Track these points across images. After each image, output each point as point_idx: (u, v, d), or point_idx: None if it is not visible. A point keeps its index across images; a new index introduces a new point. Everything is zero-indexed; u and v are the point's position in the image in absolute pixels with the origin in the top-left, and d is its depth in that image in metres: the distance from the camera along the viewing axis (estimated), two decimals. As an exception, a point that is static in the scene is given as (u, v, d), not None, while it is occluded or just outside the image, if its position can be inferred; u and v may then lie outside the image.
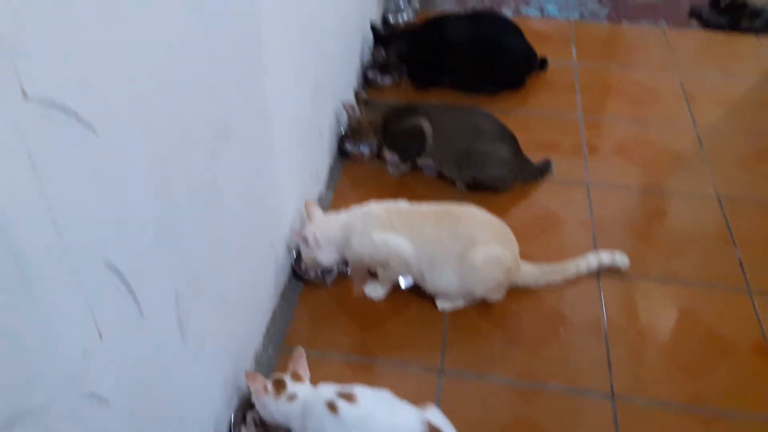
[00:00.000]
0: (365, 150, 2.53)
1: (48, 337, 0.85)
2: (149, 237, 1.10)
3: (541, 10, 3.55)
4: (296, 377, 1.53)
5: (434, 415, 1.46)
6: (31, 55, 0.75)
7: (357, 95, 2.53)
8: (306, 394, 1.49)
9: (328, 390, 1.47)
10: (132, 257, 1.03)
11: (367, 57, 2.97)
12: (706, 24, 3.43)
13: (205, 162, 1.30)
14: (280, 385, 1.50)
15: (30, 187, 0.78)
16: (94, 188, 0.91)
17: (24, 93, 0.75)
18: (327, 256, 1.93)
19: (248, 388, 1.58)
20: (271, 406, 1.50)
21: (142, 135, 1.03)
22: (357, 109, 2.41)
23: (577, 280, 2.05)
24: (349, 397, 1.43)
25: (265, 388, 1.51)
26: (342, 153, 2.54)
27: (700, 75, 3.06)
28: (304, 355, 1.56)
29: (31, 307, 0.81)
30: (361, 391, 1.46)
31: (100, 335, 0.97)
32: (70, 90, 0.83)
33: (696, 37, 3.39)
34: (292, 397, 1.48)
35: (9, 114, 0.73)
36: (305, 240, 1.88)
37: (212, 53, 1.28)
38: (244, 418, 1.65)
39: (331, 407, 1.41)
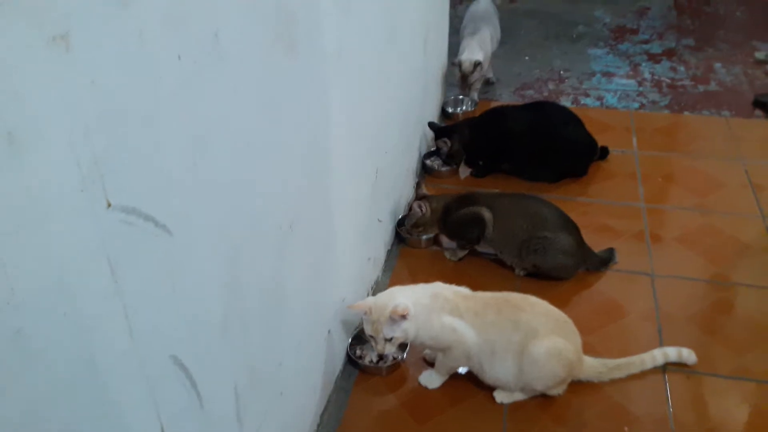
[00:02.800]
0: (423, 235, 2.55)
1: (111, 428, 0.87)
2: (215, 332, 1.12)
3: (600, 101, 3.58)
4: None
5: None
6: (117, 170, 0.80)
7: (417, 189, 2.56)
8: None
9: None
10: (197, 352, 1.06)
11: (425, 147, 3.03)
12: (771, 113, 3.39)
13: (270, 257, 1.34)
14: None
15: (108, 290, 0.82)
16: (166, 287, 0.95)
17: (108, 203, 0.79)
18: (412, 328, 1.80)
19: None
20: None
21: (213, 234, 1.08)
22: (425, 207, 2.43)
23: (642, 374, 1.97)
24: None
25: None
26: (399, 238, 2.56)
27: (766, 164, 3.00)
28: None
29: (99, 400, 0.83)
30: None
31: (162, 428, 0.98)
32: (150, 197, 0.88)
33: (761, 125, 3.34)
34: None
35: (93, 224, 0.78)
36: (395, 311, 1.74)
37: (282, 151, 1.34)
38: None
39: None
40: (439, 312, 1.84)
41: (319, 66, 1.48)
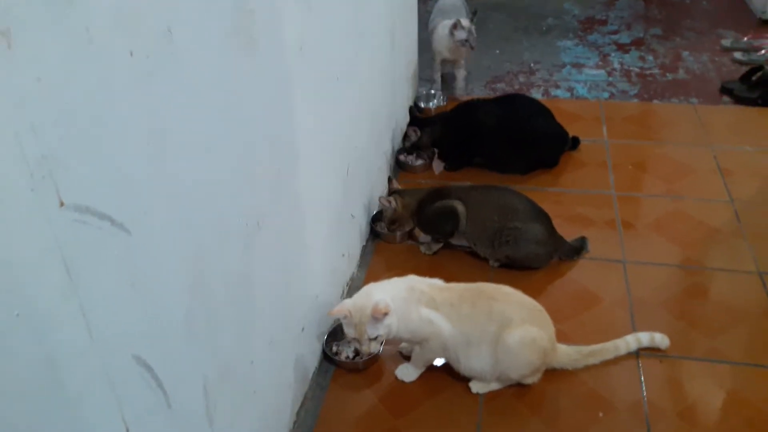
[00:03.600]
0: (399, 231, 2.55)
1: (72, 429, 0.86)
2: (179, 331, 1.12)
3: (571, 92, 3.61)
4: None
5: None
6: (69, 168, 0.80)
7: (389, 184, 2.58)
8: None
9: None
10: (161, 351, 1.05)
11: (398, 142, 3.04)
12: (738, 99, 3.43)
13: (237, 255, 1.33)
14: None
15: (64, 290, 0.81)
16: (126, 286, 0.94)
17: (61, 202, 0.79)
18: (383, 331, 1.80)
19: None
20: None
21: (175, 232, 1.07)
22: (393, 201, 2.44)
23: (616, 359, 1.99)
24: None
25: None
26: (374, 233, 2.56)
27: (734, 149, 3.04)
28: None
29: (58, 400, 0.83)
30: None
31: (127, 428, 0.98)
32: (105, 195, 0.87)
33: (728, 112, 3.39)
34: None
35: (46, 223, 0.77)
36: (378, 310, 1.75)
37: (244, 148, 1.33)
38: (273, 507, 1.62)
39: None
40: (416, 305, 1.85)
41: (280, 62, 1.48)
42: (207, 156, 1.15)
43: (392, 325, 1.80)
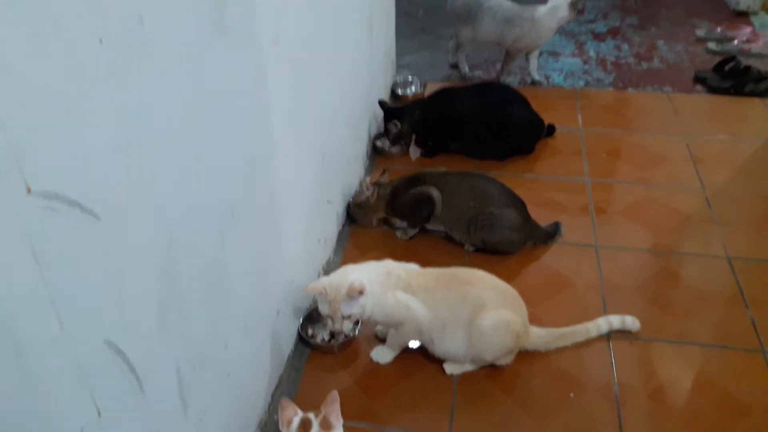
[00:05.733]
0: (368, 218, 2.57)
1: (44, 417, 0.87)
2: (152, 316, 1.13)
3: (547, 79, 3.64)
4: (326, 426, 1.45)
5: None
6: (35, 153, 0.80)
7: (380, 176, 2.59)
8: None
9: None
10: (133, 336, 1.06)
11: (375, 128, 3.05)
12: (711, 89, 3.49)
13: (211, 242, 1.34)
14: (305, 430, 1.44)
15: (32, 277, 0.82)
16: (95, 272, 0.95)
17: (28, 189, 0.79)
18: (367, 306, 1.84)
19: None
20: None
21: (147, 217, 1.08)
22: (369, 189, 2.47)
23: (588, 342, 2.04)
24: None
25: (289, 423, 1.45)
26: (351, 219, 2.59)
27: (706, 138, 3.10)
28: (338, 399, 1.47)
29: (27, 388, 0.84)
30: None
31: (99, 413, 0.99)
32: (73, 181, 0.87)
33: (701, 101, 3.44)
34: None
35: (13, 210, 0.77)
36: (353, 289, 1.78)
37: (218, 136, 1.34)
38: (249, 487, 1.65)
39: None
40: (392, 289, 1.88)
41: (255, 51, 1.48)
42: (179, 144, 1.16)
43: (366, 305, 1.83)
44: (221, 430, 1.51)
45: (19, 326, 0.81)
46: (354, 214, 2.57)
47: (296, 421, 1.46)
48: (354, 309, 1.82)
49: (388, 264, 1.96)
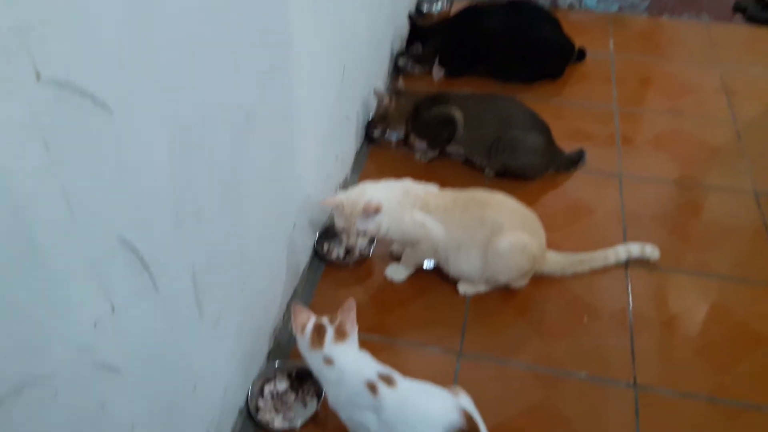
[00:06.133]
0: (392, 136, 2.53)
1: (57, 307, 0.86)
2: (166, 215, 1.11)
3: (579, 2, 3.50)
4: (341, 332, 1.43)
5: (466, 402, 1.43)
6: (45, 37, 0.75)
7: (393, 83, 2.53)
8: (345, 364, 1.41)
9: (368, 368, 1.42)
10: (147, 234, 1.04)
11: (398, 45, 2.96)
12: (751, 18, 3.34)
13: (225, 146, 1.31)
14: (319, 336, 1.43)
15: (42, 166, 0.79)
16: (108, 167, 0.92)
17: (38, 75, 0.75)
18: (372, 227, 1.82)
19: (268, 359, 1.57)
20: (303, 350, 1.45)
21: (161, 116, 1.04)
22: (387, 97, 2.40)
23: (605, 270, 2.02)
24: (389, 381, 1.39)
25: (303, 328, 1.45)
26: (369, 138, 2.54)
27: (741, 69, 2.98)
28: (355, 307, 1.46)
29: (39, 277, 0.82)
30: (399, 377, 1.41)
31: (113, 308, 0.98)
32: (86, 71, 0.83)
33: (739, 31, 3.30)
34: (328, 361, 1.41)
35: (22, 96, 0.74)
36: (369, 206, 1.76)
37: (237, 37, 1.29)
38: (262, 391, 1.67)
39: (371, 388, 1.37)
40: (410, 208, 1.85)
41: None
42: (194, 41, 1.11)
43: (382, 223, 1.81)
44: (236, 335, 1.52)
45: (31, 212, 0.78)
46: (375, 130, 2.52)
47: (310, 326, 1.45)
48: (369, 226, 1.80)
49: (407, 183, 1.92)
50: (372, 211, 1.77)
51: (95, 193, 0.90)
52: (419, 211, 1.86)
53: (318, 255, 2.05)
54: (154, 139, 1.03)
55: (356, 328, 1.47)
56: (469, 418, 1.35)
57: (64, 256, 0.85)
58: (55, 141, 0.80)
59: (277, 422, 1.61)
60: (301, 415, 1.63)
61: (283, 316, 1.82)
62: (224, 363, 1.49)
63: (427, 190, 1.92)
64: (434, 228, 1.86)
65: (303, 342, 1.45)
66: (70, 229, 0.85)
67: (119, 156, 0.94)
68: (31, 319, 0.82)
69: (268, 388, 1.67)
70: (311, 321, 1.46)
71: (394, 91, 2.45)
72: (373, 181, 1.91)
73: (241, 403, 1.60)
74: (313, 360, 1.44)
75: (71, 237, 0.86)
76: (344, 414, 1.43)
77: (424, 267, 2.02)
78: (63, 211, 0.84)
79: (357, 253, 2.05)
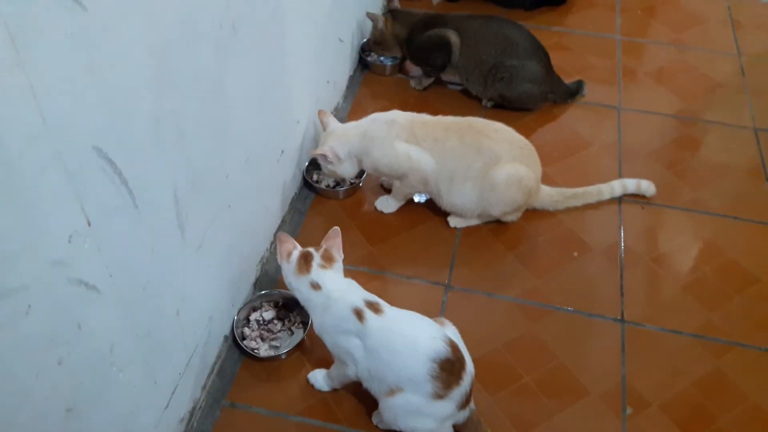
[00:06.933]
0: (387, 62, 2.45)
1: (27, 217, 0.82)
2: (144, 127, 1.05)
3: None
4: (327, 258, 1.43)
5: (452, 332, 1.43)
6: None
7: (389, 2, 2.43)
8: (332, 290, 1.40)
9: (354, 294, 1.40)
10: (125, 146, 0.99)
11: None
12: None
13: (208, 57, 1.24)
14: (305, 262, 1.42)
15: (10, 63, 0.73)
16: (81, 69, 0.86)
17: None
18: (347, 169, 1.87)
19: (255, 288, 1.55)
20: (288, 277, 1.44)
21: (137, 17, 0.97)
22: (381, 19, 2.31)
23: (598, 204, 1.99)
24: (375, 308, 1.37)
25: (288, 255, 1.44)
26: (363, 64, 2.46)
27: (750, 1, 2.88)
28: (340, 234, 1.46)
29: (6, 181, 0.77)
30: (386, 306, 1.40)
31: (89, 222, 0.94)
32: None
33: (751, -40, 3.17)
34: (315, 287, 1.40)
35: None
36: (325, 157, 1.81)
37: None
38: (248, 320, 1.66)
39: (358, 314, 1.36)
40: (393, 139, 1.80)
41: None
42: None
43: (340, 172, 1.87)
44: (221, 261, 1.49)
45: None
46: (370, 55, 2.44)
47: (296, 253, 1.44)
48: (338, 169, 1.86)
49: (393, 114, 1.87)
50: (333, 160, 1.82)
51: (67, 96, 0.84)
52: (403, 143, 1.81)
53: (308, 184, 2.01)
54: (129, 42, 0.97)
55: (342, 255, 1.46)
56: (454, 348, 1.34)
57: (33, 163, 0.81)
58: (22, 36, 0.74)
59: (263, 350, 1.61)
60: (287, 344, 1.63)
61: (270, 244, 1.79)
62: (209, 289, 1.47)
63: (415, 119, 1.86)
64: (422, 159, 1.81)
65: (288, 268, 1.44)
66: (39, 133, 0.81)
67: (92, 57, 0.88)
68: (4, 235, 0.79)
69: (254, 317, 1.66)
70: (297, 249, 1.45)
71: (389, 11, 2.35)
72: (349, 124, 1.89)
73: (226, 330, 1.59)
74: (299, 286, 1.43)
75: (41, 141, 0.81)
76: (329, 340, 1.42)
77: (415, 200, 1.99)
78: (33, 113, 0.79)
79: (347, 183, 2.01)
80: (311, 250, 1.44)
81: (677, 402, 1.57)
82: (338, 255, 1.45)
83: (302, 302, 1.45)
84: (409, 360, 1.33)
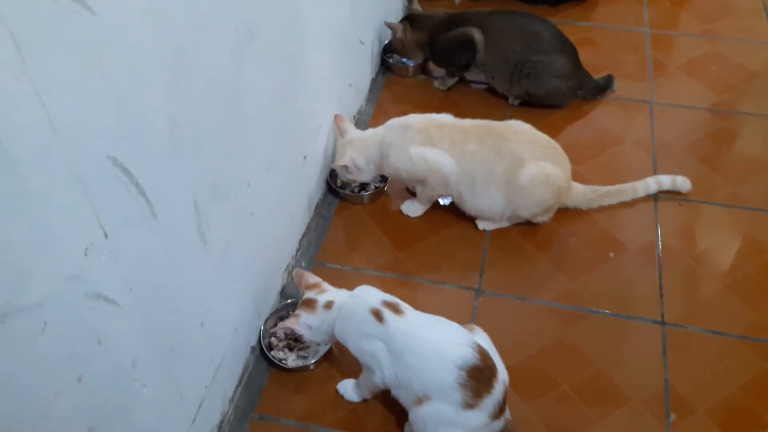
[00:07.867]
0: (410, 63, 2.41)
1: (40, 231, 0.79)
2: (160, 134, 1.02)
3: None
4: (317, 288, 1.46)
5: (483, 339, 1.39)
6: None
7: (409, 4, 2.39)
8: (342, 296, 1.42)
9: (370, 297, 1.38)
10: (140, 154, 0.96)
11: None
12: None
13: (226, 59, 1.21)
14: (309, 305, 1.43)
15: (15, 70, 0.70)
16: (93, 76, 0.83)
17: None
18: (367, 177, 1.88)
19: (281, 297, 1.52)
20: (314, 324, 1.43)
21: (150, 21, 0.94)
22: (400, 28, 2.27)
23: (633, 202, 1.92)
24: (395, 309, 1.35)
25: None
26: (385, 66, 2.42)
27: (784, -13, 2.79)
28: (304, 272, 1.50)
29: (17, 196, 0.74)
30: (409, 308, 1.38)
31: (105, 234, 0.91)
32: None
33: (783, -54, 3.07)
34: (328, 305, 1.41)
35: None
36: (346, 168, 1.81)
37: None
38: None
39: (377, 315, 1.33)
40: (408, 144, 1.78)
41: None
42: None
43: (360, 179, 1.89)
44: (245, 271, 1.46)
45: (3, 122, 0.70)
46: (394, 56, 2.41)
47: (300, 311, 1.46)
48: (355, 176, 1.86)
49: (408, 118, 1.84)
50: (353, 171, 1.83)
51: (78, 104, 0.81)
52: (417, 146, 1.77)
53: (332, 190, 1.97)
54: (143, 48, 0.93)
55: (322, 281, 1.49)
56: (484, 355, 1.29)
57: (45, 174, 0.77)
58: (28, 42, 0.71)
59: (291, 360, 1.57)
60: (314, 353, 1.59)
61: (296, 253, 1.76)
62: (233, 299, 1.43)
63: (432, 122, 1.81)
64: (438, 160, 1.76)
65: (310, 318, 1.45)
66: (49, 143, 0.77)
67: (104, 64, 0.84)
68: (9, 242, 0.75)
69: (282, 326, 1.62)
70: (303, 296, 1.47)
71: (407, 17, 2.30)
72: (367, 131, 1.88)
73: (253, 341, 1.56)
74: (320, 325, 1.43)
75: (52, 152, 0.78)
76: (353, 346, 1.39)
77: (441, 203, 1.94)
78: (40, 121, 0.75)
79: (372, 187, 1.97)
80: (308, 294, 1.46)
81: (724, 407, 1.49)
82: (321, 282, 1.49)
83: (328, 335, 1.45)
84: (434, 366, 1.28)
